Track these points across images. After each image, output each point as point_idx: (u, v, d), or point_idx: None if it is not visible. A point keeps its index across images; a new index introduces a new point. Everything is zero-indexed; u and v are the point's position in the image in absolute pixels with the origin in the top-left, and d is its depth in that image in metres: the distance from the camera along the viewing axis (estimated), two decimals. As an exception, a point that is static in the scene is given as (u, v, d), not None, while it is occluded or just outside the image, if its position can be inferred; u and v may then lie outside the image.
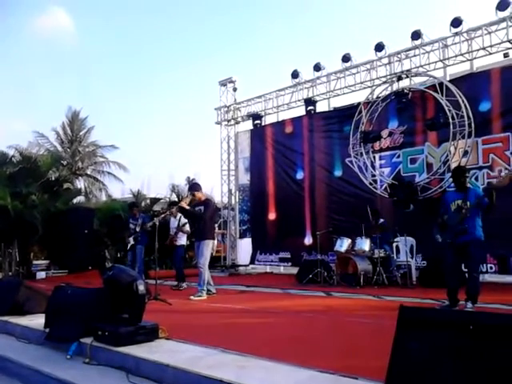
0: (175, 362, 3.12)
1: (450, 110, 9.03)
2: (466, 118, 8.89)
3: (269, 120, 13.41)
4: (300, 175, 12.11)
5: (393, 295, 6.96)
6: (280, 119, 13.09)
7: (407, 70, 10.06)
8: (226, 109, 14.11)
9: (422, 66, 9.90)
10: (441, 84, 9.30)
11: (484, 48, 9.00)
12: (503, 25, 8.72)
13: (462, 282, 5.54)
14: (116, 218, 12.84)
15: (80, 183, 20.14)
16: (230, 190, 14.18)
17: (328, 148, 11.53)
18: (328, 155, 11.51)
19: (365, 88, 11.06)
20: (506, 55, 8.83)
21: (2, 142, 30.08)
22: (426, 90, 9.60)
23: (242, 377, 2.78)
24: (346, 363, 3.09)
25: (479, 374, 2.06)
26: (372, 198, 10.27)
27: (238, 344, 3.65)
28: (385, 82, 10.50)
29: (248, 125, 13.84)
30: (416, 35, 9.69)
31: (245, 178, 13.83)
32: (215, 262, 13.39)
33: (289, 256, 12.10)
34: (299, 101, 12.31)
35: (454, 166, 8.38)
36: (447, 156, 9.23)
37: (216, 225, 13.35)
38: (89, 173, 21.10)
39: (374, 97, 10.53)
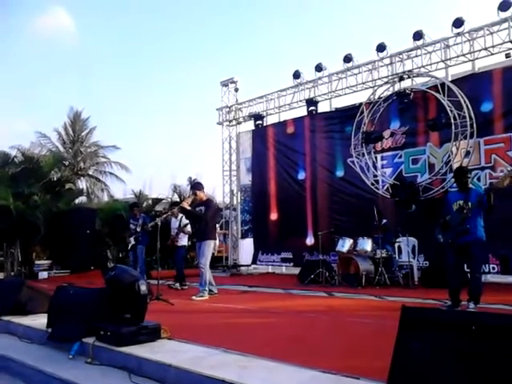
0: (177, 362, 3.12)
1: (451, 111, 9.03)
2: (467, 119, 8.88)
3: (270, 120, 13.42)
4: (302, 175, 12.11)
5: (395, 295, 6.95)
6: (282, 119, 13.09)
7: (409, 71, 10.06)
8: (227, 109, 14.13)
9: (423, 67, 9.89)
10: (442, 84, 9.29)
11: (486, 48, 9.00)
12: (505, 25, 8.72)
13: (465, 283, 5.53)
14: (118, 219, 12.85)
15: (82, 184, 20.22)
16: (231, 191, 14.20)
17: (330, 148, 11.53)
18: (330, 155, 11.50)
19: (366, 88, 11.06)
20: (507, 55, 8.82)
21: (4, 142, 30.12)
22: (428, 90, 9.59)
23: (245, 377, 2.79)
24: (347, 363, 3.10)
25: (481, 374, 2.06)
26: (374, 198, 10.26)
27: (240, 344, 3.66)
28: (386, 83, 10.50)
29: (250, 125, 13.87)
30: (418, 35, 9.69)
31: (246, 179, 13.83)
32: (217, 262, 13.40)
33: (290, 256, 12.10)
34: (301, 101, 12.32)
35: (455, 166, 8.36)
36: (449, 156, 9.22)
37: (218, 225, 13.36)
38: (91, 173, 21.14)
39: (376, 97, 10.52)
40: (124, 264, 8.12)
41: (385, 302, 6.57)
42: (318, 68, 11.63)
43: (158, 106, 42.53)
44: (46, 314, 4.66)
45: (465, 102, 8.94)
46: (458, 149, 9.08)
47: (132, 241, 9.16)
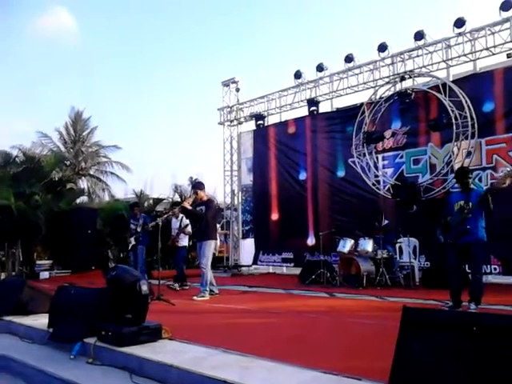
0: (179, 363, 3.13)
1: (453, 111, 9.02)
2: (469, 119, 8.87)
3: (271, 120, 13.42)
4: (303, 176, 12.11)
5: (396, 296, 6.95)
6: (283, 119, 13.09)
7: (410, 71, 10.05)
8: (228, 109, 14.13)
9: (425, 67, 9.88)
10: (444, 84, 9.29)
11: (487, 48, 8.99)
12: (507, 25, 8.71)
13: (466, 284, 5.53)
14: (119, 218, 12.86)
15: (83, 183, 20.22)
16: (232, 191, 14.20)
17: (331, 148, 11.53)
18: (331, 156, 11.50)
19: (368, 88, 11.05)
20: (509, 56, 8.82)
21: (5, 142, 30.13)
22: (429, 90, 9.59)
23: (246, 377, 2.79)
24: (349, 364, 3.09)
25: (482, 375, 2.06)
26: (375, 198, 10.27)
27: (241, 344, 3.66)
28: (388, 83, 10.49)
29: (251, 125, 13.88)
30: (419, 36, 9.68)
31: (247, 179, 13.84)
32: (218, 262, 13.40)
33: (291, 256, 12.09)
34: (302, 101, 12.32)
35: (457, 166, 8.37)
36: (450, 157, 9.21)
37: (219, 225, 13.36)
38: (92, 173, 21.15)
39: (377, 97, 10.51)
40: (125, 264, 8.13)
41: (386, 303, 6.57)
42: (320, 68, 11.63)
43: (159, 106, 42.62)
44: (47, 314, 4.66)
45: (466, 102, 8.93)
46: (459, 149, 9.07)
47: (132, 241, 9.17)
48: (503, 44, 8.82)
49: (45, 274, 12.40)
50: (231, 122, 14.21)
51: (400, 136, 10.12)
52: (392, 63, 10.44)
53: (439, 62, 9.73)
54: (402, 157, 10.11)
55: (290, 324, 4.99)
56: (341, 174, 11.23)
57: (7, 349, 4.37)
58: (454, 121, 8.97)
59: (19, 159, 14.38)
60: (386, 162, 10.41)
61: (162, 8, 40.79)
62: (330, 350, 3.67)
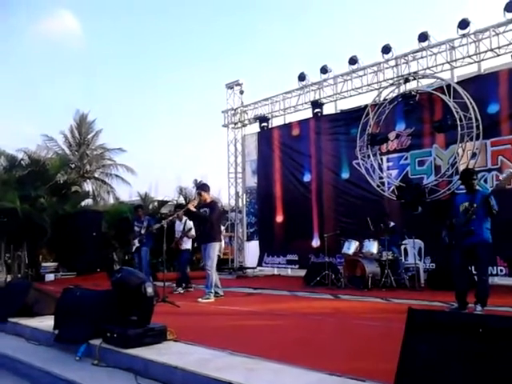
0: (184, 364, 3.13)
1: (457, 112, 8.99)
2: (473, 120, 8.84)
3: (276, 122, 13.44)
4: (307, 178, 12.10)
5: (401, 298, 6.93)
6: (287, 122, 13.10)
7: (414, 72, 10.03)
8: (232, 111, 14.16)
9: (429, 68, 9.87)
10: (448, 86, 9.26)
11: (492, 49, 8.96)
12: (511, 26, 8.68)
13: (471, 285, 5.51)
14: (124, 221, 12.88)
15: (88, 186, 20.31)
16: (237, 193, 14.21)
17: (335, 150, 11.52)
18: (335, 157, 11.50)
19: (372, 90, 11.04)
20: (514, 57, 8.78)
21: (10, 145, 30.24)
22: (434, 91, 9.57)
23: (251, 379, 2.79)
24: (354, 366, 3.09)
25: (488, 377, 2.05)
26: (380, 200, 10.24)
27: (246, 346, 3.66)
28: (392, 84, 10.47)
29: (255, 127, 13.89)
30: (423, 37, 9.67)
31: (252, 181, 13.85)
32: (223, 264, 13.39)
33: (296, 258, 12.08)
34: (306, 103, 12.32)
35: (462, 168, 8.34)
36: (455, 158, 9.19)
37: (223, 227, 13.36)
38: (97, 176, 21.23)
39: (381, 99, 10.50)
40: (130, 266, 8.17)
41: (391, 305, 6.56)
42: (323, 70, 11.64)
43: (162, 108, 42.77)
44: (52, 316, 4.68)
45: (471, 103, 8.91)
46: (464, 150, 9.04)
47: (136, 243, 9.18)
48: (508, 45, 8.79)
49: (50, 277, 12.45)
50: (235, 124, 14.23)
51: (404, 138, 10.10)
52: (396, 65, 10.43)
53: (443, 64, 9.71)
54: (406, 158, 10.09)
55: (295, 326, 4.99)
56: (345, 175, 11.22)
57: (14, 350, 4.40)
58: (458, 122, 8.94)
59: (24, 162, 14.45)
60: (390, 164, 10.40)
61: (165, 10, 41.03)
62: (335, 352, 3.67)
